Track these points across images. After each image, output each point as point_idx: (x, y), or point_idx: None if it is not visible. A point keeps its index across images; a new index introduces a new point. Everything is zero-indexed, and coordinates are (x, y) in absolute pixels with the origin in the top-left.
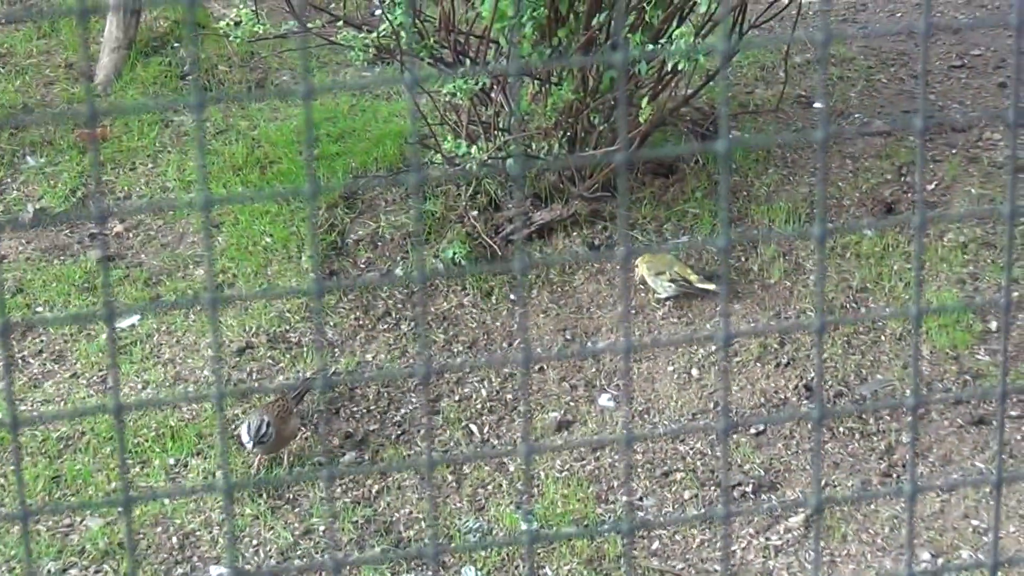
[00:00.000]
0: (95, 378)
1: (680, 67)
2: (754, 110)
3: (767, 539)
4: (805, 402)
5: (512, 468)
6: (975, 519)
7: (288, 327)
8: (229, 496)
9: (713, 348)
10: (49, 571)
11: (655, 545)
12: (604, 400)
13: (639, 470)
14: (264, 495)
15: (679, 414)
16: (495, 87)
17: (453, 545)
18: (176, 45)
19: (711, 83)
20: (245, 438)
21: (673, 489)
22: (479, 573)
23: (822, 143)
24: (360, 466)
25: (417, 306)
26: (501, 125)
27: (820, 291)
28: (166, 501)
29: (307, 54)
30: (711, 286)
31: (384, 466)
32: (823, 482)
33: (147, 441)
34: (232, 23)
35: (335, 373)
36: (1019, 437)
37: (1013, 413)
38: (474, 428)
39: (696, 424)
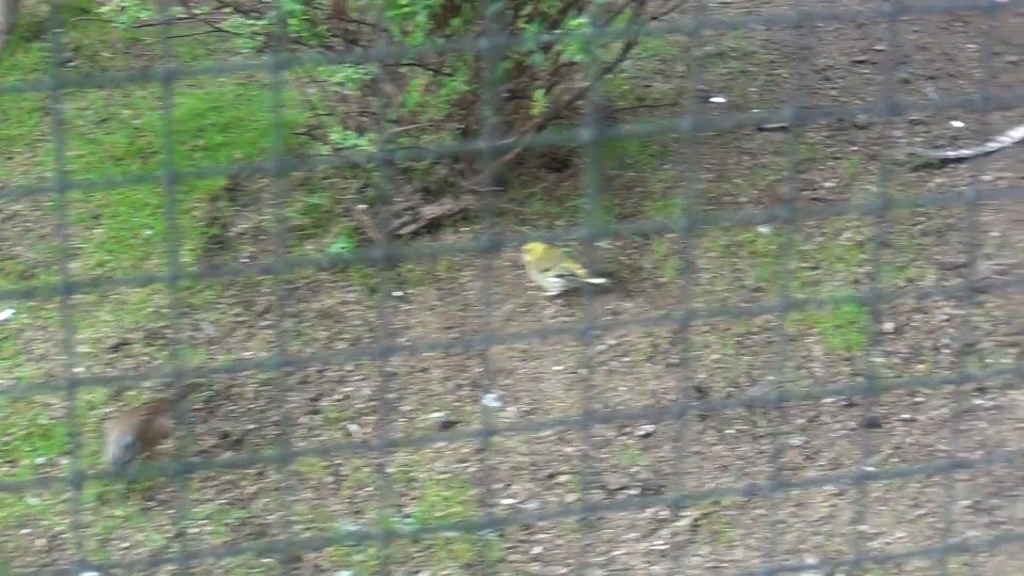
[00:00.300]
0: None
1: (576, 58)
2: (652, 104)
3: (651, 544)
4: (697, 403)
5: (392, 469)
6: (863, 524)
7: (166, 323)
8: (77, 487)
9: (601, 348)
10: None
11: (537, 550)
12: (490, 400)
13: (522, 472)
14: (134, 496)
15: (566, 415)
16: (386, 77)
17: (304, 540)
18: (59, 31)
19: (608, 75)
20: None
21: (557, 492)
22: None
23: (689, 133)
24: (211, 462)
25: (277, 294)
26: (391, 116)
27: (687, 283)
28: (33, 502)
29: (167, 39)
30: (601, 280)
31: (230, 460)
32: (710, 485)
33: (16, 440)
34: (117, 8)
35: (201, 369)
36: (910, 440)
37: (904, 416)
38: (355, 428)
39: (553, 420)
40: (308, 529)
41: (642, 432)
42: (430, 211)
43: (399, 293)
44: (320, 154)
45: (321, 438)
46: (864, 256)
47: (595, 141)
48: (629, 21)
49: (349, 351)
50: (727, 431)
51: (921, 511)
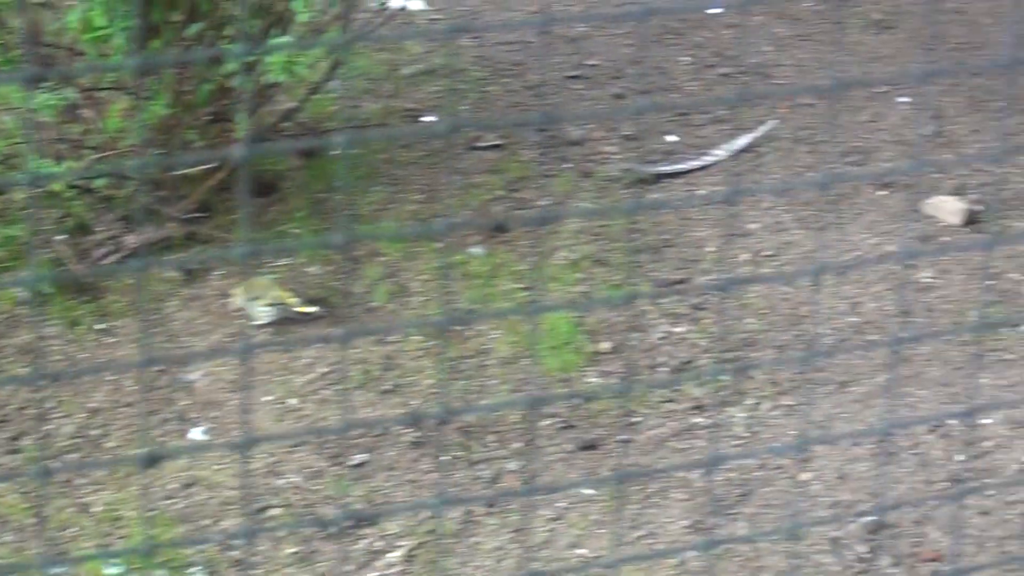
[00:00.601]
0: None
1: (279, 79)
2: (360, 124)
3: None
4: (411, 431)
5: (96, 510)
6: (582, 548)
7: None
8: None
9: (312, 376)
10: None
11: None
12: (197, 433)
13: (232, 507)
14: None
15: (277, 446)
16: (85, 103)
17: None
18: None
19: (315, 95)
20: None
21: (269, 525)
22: None
23: (344, 147)
24: None
25: None
26: (91, 143)
27: (346, 292)
28: None
29: None
30: (311, 309)
31: None
32: (425, 514)
33: None
34: None
35: None
36: (628, 461)
37: (622, 436)
38: (58, 466)
39: (214, 443)
40: (11, 573)
41: (355, 462)
42: (133, 240)
43: (102, 325)
44: (13, 182)
45: (23, 479)
46: (579, 275)
47: (247, 159)
48: (335, 39)
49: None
50: (442, 457)
51: (640, 532)
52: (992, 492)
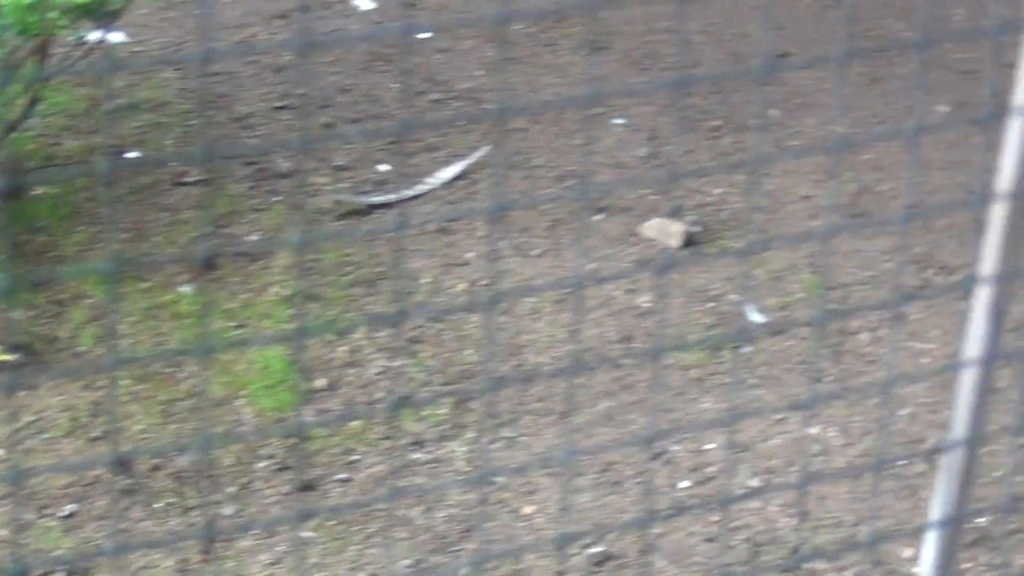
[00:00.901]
0: None
1: None
2: (62, 163)
3: None
4: (122, 478)
5: None
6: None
7: None
8: None
9: (16, 426)
10: None
11: None
12: None
13: None
14: None
15: None
16: None
17: None
18: None
19: (13, 134)
20: None
21: None
22: None
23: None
24: None
25: None
26: None
27: (5, 323)
28: None
29: None
30: (11, 357)
31: None
32: (139, 564)
33: None
34: None
35: None
36: (348, 500)
37: (340, 476)
38: None
39: None
40: None
41: (65, 512)
42: None
43: None
44: None
45: None
46: (292, 311)
47: None
48: (32, 75)
49: None
50: (155, 505)
51: (362, 573)
52: (716, 518)
